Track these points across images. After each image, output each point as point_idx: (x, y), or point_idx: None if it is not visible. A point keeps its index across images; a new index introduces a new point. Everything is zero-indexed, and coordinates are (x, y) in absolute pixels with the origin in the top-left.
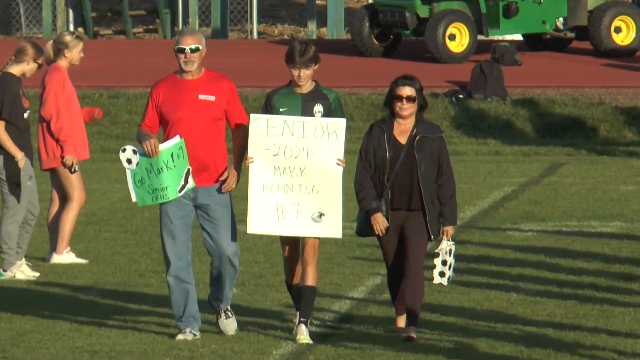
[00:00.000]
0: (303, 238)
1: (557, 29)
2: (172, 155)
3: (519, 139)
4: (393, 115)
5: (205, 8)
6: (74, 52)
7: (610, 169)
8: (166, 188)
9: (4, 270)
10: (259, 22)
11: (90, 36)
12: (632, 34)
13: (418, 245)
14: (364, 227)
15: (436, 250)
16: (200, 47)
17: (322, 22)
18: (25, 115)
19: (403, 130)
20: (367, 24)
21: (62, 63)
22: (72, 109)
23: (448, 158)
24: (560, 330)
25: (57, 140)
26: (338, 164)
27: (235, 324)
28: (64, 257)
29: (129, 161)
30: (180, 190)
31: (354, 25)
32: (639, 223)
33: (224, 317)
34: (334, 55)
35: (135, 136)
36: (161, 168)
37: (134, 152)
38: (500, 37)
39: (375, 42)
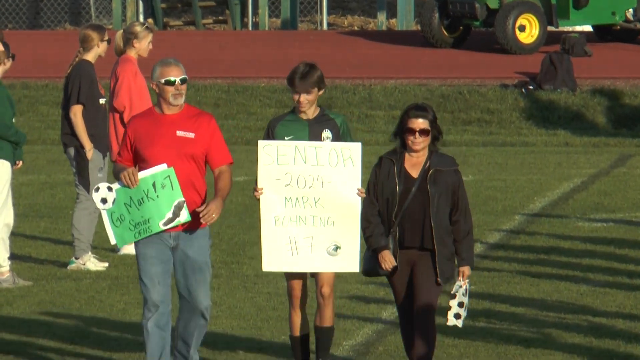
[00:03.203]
0: (317, 274)
1: (626, 20)
2: (154, 185)
3: (589, 130)
4: (404, 147)
5: None
6: (143, 43)
7: None
8: (148, 220)
9: (76, 258)
10: (328, 14)
11: (159, 27)
12: None
13: (429, 293)
14: (371, 266)
15: (452, 292)
16: (187, 79)
17: (392, 13)
18: (102, 101)
19: (415, 163)
20: (436, 15)
21: (132, 53)
22: (144, 99)
23: (465, 193)
24: (629, 321)
25: None
26: (358, 194)
27: None
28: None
29: (104, 200)
30: (165, 224)
31: (424, 16)
32: None
33: None
34: (404, 47)
35: None
36: (142, 199)
37: (109, 189)
38: (570, 28)
39: (445, 33)
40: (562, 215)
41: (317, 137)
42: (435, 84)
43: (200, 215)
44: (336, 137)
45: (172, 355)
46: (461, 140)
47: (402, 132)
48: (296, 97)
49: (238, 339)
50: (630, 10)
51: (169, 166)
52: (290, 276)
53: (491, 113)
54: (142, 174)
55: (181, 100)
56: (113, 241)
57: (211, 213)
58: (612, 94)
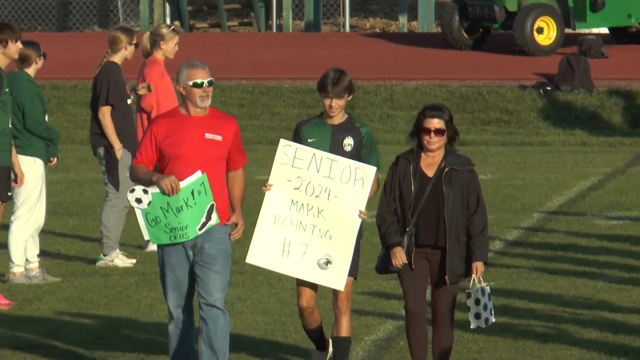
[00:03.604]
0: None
1: None
2: (192, 193)
3: (605, 130)
4: (420, 147)
5: (299, 1)
6: (170, 45)
7: None
8: (186, 227)
9: (104, 255)
10: (351, 16)
11: (186, 29)
12: None
13: (447, 292)
14: (384, 263)
15: (467, 291)
16: (213, 80)
17: (412, 15)
18: (129, 101)
19: (431, 162)
20: (457, 18)
21: (159, 55)
22: (171, 100)
23: (480, 192)
24: None
25: None
26: (360, 216)
27: None
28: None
29: (139, 200)
30: (200, 229)
31: (444, 18)
32: None
33: None
34: (424, 48)
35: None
36: (181, 207)
37: (144, 191)
38: (587, 30)
39: (465, 35)
40: (579, 213)
41: (338, 143)
42: (455, 85)
43: (232, 237)
44: (358, 146)
45: None
46: (480, 140)
47: (418, 132)
48: (327, 102)
49: (262, 333)
50: None
51: (201, 170)
52: (302, 288)
53: (510, 113)
54: (182, 184)
55: (208, 102)
56: (147, 237)
57: (240, 232)
58: (628, 95)
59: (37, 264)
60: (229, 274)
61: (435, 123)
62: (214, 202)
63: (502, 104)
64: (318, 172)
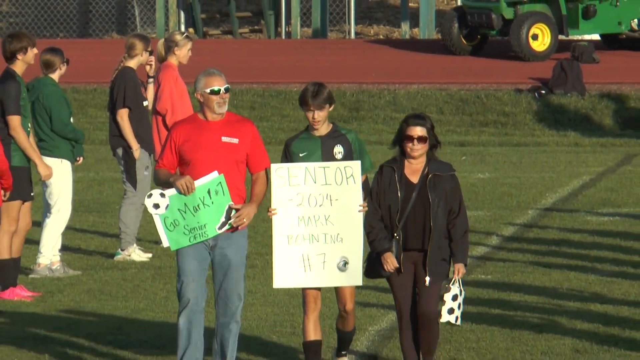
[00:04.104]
0: (338, 289)
1: (632, 29)
2: (209, 192)
3: (597, 131)
4: (403, 154)
5: (307, 10)
6: (184, 51)
7: None
8: (204, 226)
9: (122, 250)
10: (356, 23)
11: (200, 36)
12: None
13: (430, 291)
14: (374, 268)
15: (447, 285)
16: (230, 87)
17: (414, 23)
18: (145, 103)
19: (415, 169)
20: (456, 25)
21: (173, 60)
22: (185, 103)
23: (461, 197)
24: (634, 307)
25: None
26: (360, 210)
27: None
28: None
29: (157, 206)
30: (220, 227)
31: (444, 26)
32: None
33: None
34: (426, 54)
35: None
36: (198, 206)
37: (162, 195)
38: (580, 37)
39: (464, 41)
40: (571, 210)
41: (329, 153)
42: (455, 89)
43: (232, 221)
44: (348, 152)
45: None
46: (479, 141)
47: (402, 140)
48: (310, 115)
49: (272, 324)
50: (636, 20)
51: (217, 172)
52: (309, 292)
53: (506, 115)
54: (197, 183)
55: (225, 108)
56: (166, 244)
57: (242, 218)
58: (619, 98)
59: (58, 258)
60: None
61: (418, 131)
62: (232, 203)
63: (499, 107)
64: (315, 182)
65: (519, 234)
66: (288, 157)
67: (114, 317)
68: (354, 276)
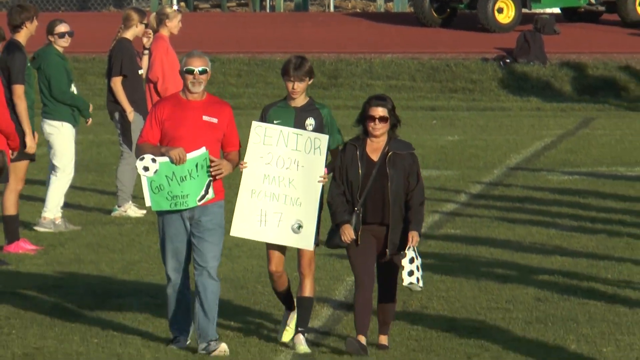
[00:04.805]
0: (300, 251)
1: (590, 3)
2: (196, 165)
3: (557, 97)
4: (366, 133)
5: None
6: (174, 22)
7: (635, 122)
8: (187, 196)
9: (119, 206)
10: None
11: (190, 9)
12: None
13: (390, 263)
14: (334, 239)
15: (402, 252)
16: (208, 70)
17: None
18: (140, 72)
19: (376, 147)
20: None
21: (164, 32)
22: (175, 72)
23: (419, 172)
24: (592, 259)
25: None
26: (320, 181)
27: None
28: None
29: (146, 169)
30: (200, 200)
31: (416, 0)
32: None
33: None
34: (399, 26)
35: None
36: (185, 176)
37: (153, 160)
38: (541, 10)
39: (435, 14)
40: (534, 170)
41: (301, 123)
42: (426, 58)
43: (211, 168)
44: (319, 125)
45: (198, 339)
46: (448, 106)
47: (364, 119)
48: (290, 85)
49: (257, 275)
50: None
51: (205, 148)
52: (271, 253)
53: (474, 83)
54: (189, 156)
55: (199, 88)
56: (148, 203)
57: (220, 167)
58: (578, 67)
59: (60, 214)
60: (222, 245)
61: (380, 111)
62: (212, 178)
63: (467, 75)
64: (286, 146)
65: (485, 192)
66: (264, 121)
67: (112, 269)
68: (306, 240)
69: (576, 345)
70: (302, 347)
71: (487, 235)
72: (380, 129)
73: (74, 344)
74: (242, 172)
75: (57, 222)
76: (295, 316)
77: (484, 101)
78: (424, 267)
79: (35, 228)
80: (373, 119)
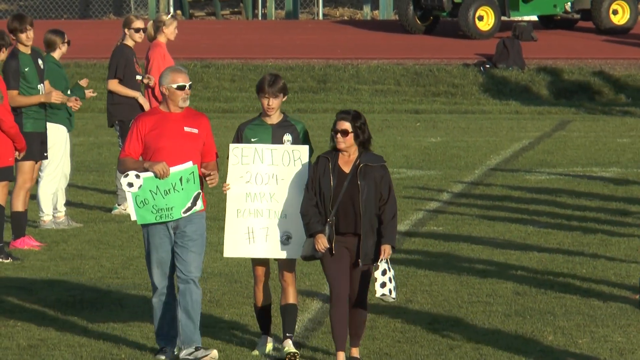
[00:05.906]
0: (280, 261)
1: (565, 12)
2: (180, 179)
3: (535, 100)
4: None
5: None
6: (170, 28)
7: (608, 125)
8: (172, 208)
9: (118, 205)
10: (324, 6)
11: (186, 17)
12: (627, 16)
13: (362, 274)
14: (308, 251)
15: (375, 264)
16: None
17: (375, 5)
18: (138, 77)
19: (347, 160)
20: (411, 8)
21: (161, 39)
22: None
23: (391, 185)
24: (568, 255)
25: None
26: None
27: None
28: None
29: (130, 185)
30: (185, 212)
31: (401, 8)
32: (632, 169)
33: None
34: (385, 33)
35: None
36: (168, 190)
37: (137, 176)
38: (520, 18)
39: (418, 21)
40: (513, 170)
41: (279, 139)
42: (410, 63)
43: (208, 180)
44: (295, 140)
45: (179, 345)
46: (431, 109)
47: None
48: (265, 101)
49: (250, 270)
50: (569, 3)
51: (168, 163)
52: (256, 263)
53: (455, 87)
54: (172, 169)
55: (187, 103)
56: (134, 218)
57: (215, 179)
58: (554, 72)
59: (63, 212)
60: (204, 255)
61: (342, 125)
62: (200, 191)
63: (449, 79)
64: (262, 162)
65: (466, 191)
66: (240, 141)
67: (112, 264)
68: (297, 250)
69: (553, 336)
70: (293, 350)
71: (468, 232)
72: (342, 142)
73: (77, 336)
74: (225, 194)
75: (60, 220)
76: (270, 342)
77: (465, 104)
78: (397, 276)
79: (39, 229)
80: (337, 132)
